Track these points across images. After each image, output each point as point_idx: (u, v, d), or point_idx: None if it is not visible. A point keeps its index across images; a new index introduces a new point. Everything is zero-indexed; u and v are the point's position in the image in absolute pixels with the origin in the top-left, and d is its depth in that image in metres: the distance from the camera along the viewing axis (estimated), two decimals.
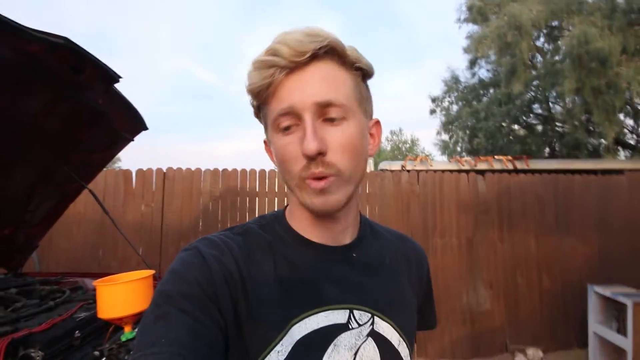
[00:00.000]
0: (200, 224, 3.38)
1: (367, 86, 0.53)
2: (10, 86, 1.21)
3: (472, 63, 7.63)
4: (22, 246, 1.88)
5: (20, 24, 1.07)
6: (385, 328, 0.52)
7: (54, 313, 1.38)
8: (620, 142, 6.50)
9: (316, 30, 0.45)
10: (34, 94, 1.29)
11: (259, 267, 0.49)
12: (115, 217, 2.75)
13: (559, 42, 5.20)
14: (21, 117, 1.34)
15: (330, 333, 0.48)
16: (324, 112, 0.45)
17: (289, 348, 0.45)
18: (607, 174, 4.10)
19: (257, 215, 3.13)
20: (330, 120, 0.46)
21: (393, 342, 0.52)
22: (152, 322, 0.41)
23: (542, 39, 6.04)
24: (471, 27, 7.31)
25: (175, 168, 3.40)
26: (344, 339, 0.48)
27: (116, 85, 1.53)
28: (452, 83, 8.53)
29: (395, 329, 0.53)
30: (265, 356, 0.44)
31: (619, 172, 4.06)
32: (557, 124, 7.50)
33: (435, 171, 3.72)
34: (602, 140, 6.64)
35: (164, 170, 3.39)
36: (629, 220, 3.63)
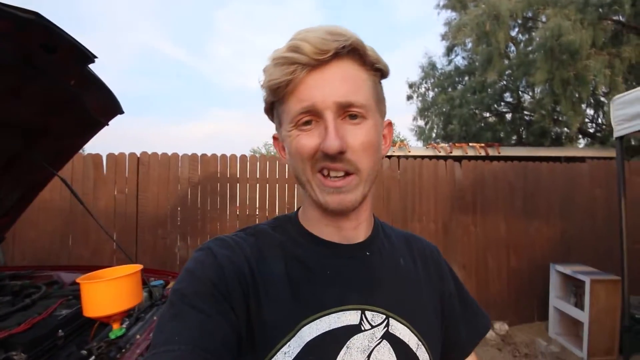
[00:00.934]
0: (179, 211, 3.27)
1: (382, 87, 0.53)
2: None
3: (449, 50, 7.73)
4: None
5: None
6: (401, 330, 0.50)
7: (32, 311, 1.30)
8: (581, 131, 6.94)
9: (339, 30, 0.45)
10: (3, 78, 1.16)
11: (270, 267, 0.48)
12: (86, 204, 2.60)
13: (533, 34, 5.37)
14: None
15: (342, 335, 0.47)
16: (344, 111, 0.46)
17: (297, 350, 0.44)
18: (571, 161, 4.38)
19: (238, 202, 3.06)
20: (351, 120, 0.46)
21: (411, 345, 0.50)
22: (166, 320, 0.42)
23: (516, 30, 6.21)
24: (450, 14, 7.37)
25: (150, 153, 3.24)
26: (356, 340, 0.47)
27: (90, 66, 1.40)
28: (429, 69, 8.63)
29: (413, 332, 0.51)
30: (272, 357, 0.44)
31: (581, 159, 4.34)
32: (526, 112, 7.84)
33: (415, 157, 3.80)
34: (565, 129, 7.05)
35: (138, 155, 3.21)
36: (589, 205, 3.92)
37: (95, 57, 1.30)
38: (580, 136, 7.64)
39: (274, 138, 0.56)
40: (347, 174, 0.47)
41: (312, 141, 0.46)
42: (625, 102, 2.44)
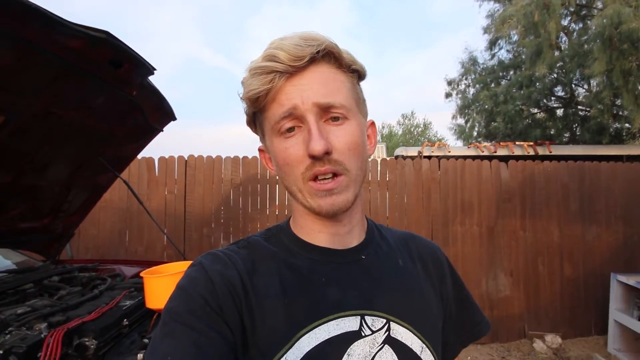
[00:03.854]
0: (222, 210, 3.43)
1: (361, 88, 0.53)
2: (51, 82, 1.21)
3: (492, 44, 7.35)
4: (60, 235, 1.94)
5: (62, 18, 1.05)
6: (403, 334, 0.49)
7: (100, 301, 1.43)
8: None
9: (312, 35, 0.46)
10: (73, 89, 1.29)
11: (263, 279, 0.48)
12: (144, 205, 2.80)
13: (588, 22, 4.94)
14: (60, 112, 1.35)
15: (342, 342, 0.45)
16: (326, 113, 0.46)
17: None
18: (634, 160, 3.98)
19: (277, 202, 3.11)
20: (333, 121, 0.46)
21: (414, 349, 0.48)
22: (159, 340, 0.41)
23: (567, 19, 5.74)
24: (492, 6, 7.00)
25: (196, 156, 3.43)
26: (357, 347, 0.46)
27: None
28: (470, 65, 8.26)
29: (416, 335, 0.49)
30: None
31: None
32: (580, 107, 7.24)
33: (457, 158, 3.66)
34: (627, 125, 6.41)
35: (186, 158, 3.41)
36: None
37: (155, 69, 1.41)
38: None
39: (260, 150, 0.56)
40: (336, 175, 0.46)
41: (298, 149, 0.45)
42: None
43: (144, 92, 1.55)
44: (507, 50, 7.69)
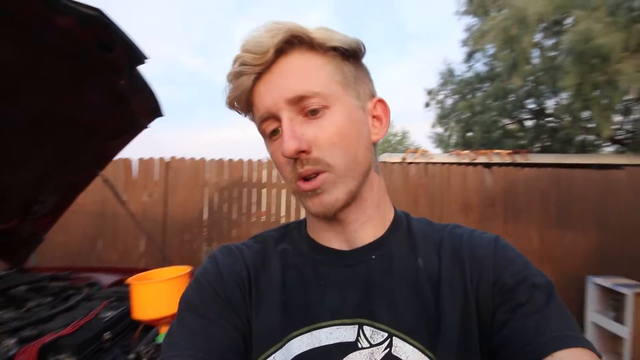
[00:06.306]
0: (207, 215, 3.27)
1: (355, 65, 0.47)
2: (31, 66, 1.08)
3: (470, 56, 7.64)
4: (27, 239, 1.75)
5: None
6: (409, 353, 0.40)
7: (76, 313, 1.28)
8: (610, 138, 6.69)
9: (273, 24, 0.42)
10: (57, 76, 1.16)
11: (267, 276, 0.48)
12: (115, 207, 2.60)
13: (561, 37, 5.26)
14: (41, 101, 1.21)
15: (335, 353, 0.41)
16: (301, 107, 0.42)
17: None
18: (604, 168, 4.20)
19: (263, 207, 3.02)
20: (313, 115, 0.42)
21: None
22: (174, 328, 0.43)
23: (541, 34, 6.08)
24: (470, 20, 7.30)
25: (178, 158, 3.27)
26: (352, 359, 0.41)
27: None
28: (448, 76, 8.54)
29: (427, 354, 0.40)
30: None
31: (616, 166, 4.16)
32: (549, 118, 7.63)
33: (443, 164, 3.71)
34: (593, 136, 6.81)
35: (167, 160, 3.24)
36: (628, 214, 3.73)
37: (147, 57, 1.30)
38: (608, 143, 7.38)
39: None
40: (319, 172, 0.42)
41: (280, 153, 0.43)
42: None
43: (133, 82, 1.42)
44: (484, 63, 8.03)
